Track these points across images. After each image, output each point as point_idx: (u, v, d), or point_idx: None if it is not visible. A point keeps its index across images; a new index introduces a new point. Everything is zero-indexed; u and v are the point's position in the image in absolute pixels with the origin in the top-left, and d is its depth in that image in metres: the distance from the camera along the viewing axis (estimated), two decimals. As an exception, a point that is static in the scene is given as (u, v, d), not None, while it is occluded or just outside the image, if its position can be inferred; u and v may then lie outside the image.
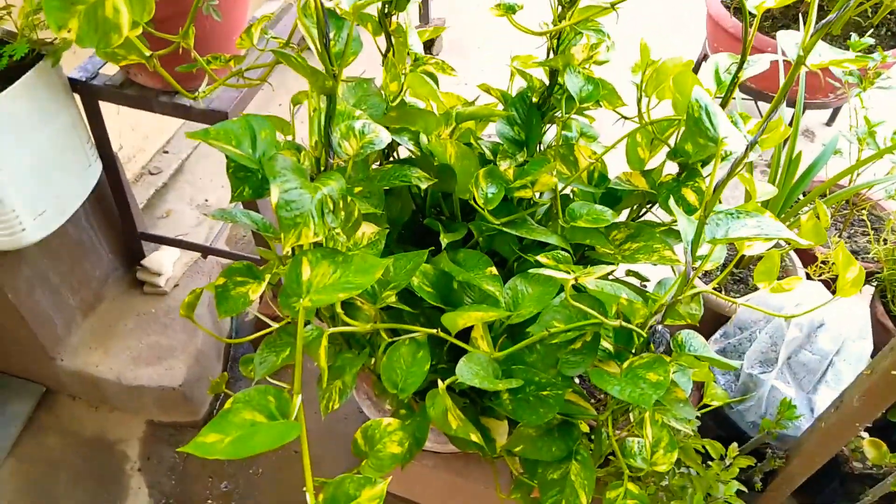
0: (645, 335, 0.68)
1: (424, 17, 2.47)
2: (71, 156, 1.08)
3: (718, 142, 0.56)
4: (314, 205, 0.61)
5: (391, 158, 1.00)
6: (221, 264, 1.49)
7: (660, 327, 0.65)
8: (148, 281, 1.38)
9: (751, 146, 0.53)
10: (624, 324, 0.68)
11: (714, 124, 0.56)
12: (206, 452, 0.57)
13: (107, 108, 1.64)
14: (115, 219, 1.33)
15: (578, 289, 0.74)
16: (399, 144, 0.96)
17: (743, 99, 2.17)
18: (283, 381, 0.84)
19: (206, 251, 1.35)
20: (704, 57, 2.23)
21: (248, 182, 0.67)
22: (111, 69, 1.10)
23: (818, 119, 2.48)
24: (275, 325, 0.87)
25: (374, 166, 0.95)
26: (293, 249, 0.65)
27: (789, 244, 1.10)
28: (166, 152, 1.93)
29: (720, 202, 0.94)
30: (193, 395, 1.29)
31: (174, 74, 0.95)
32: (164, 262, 1.38)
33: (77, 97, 1.10)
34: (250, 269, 0.85)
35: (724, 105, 0.84)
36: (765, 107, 2.15)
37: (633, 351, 0.71)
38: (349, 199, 0.69)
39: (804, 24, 0.62)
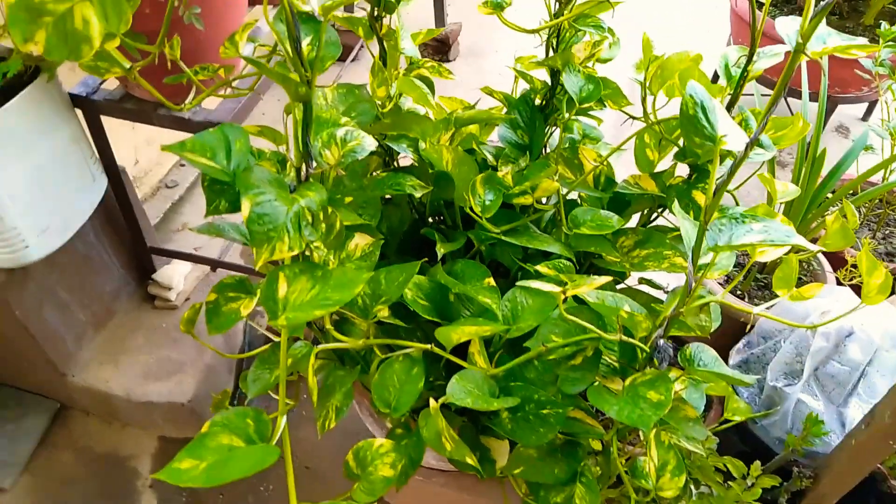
0: (647, 350, 0.63)
1: (440, 21, 2.44)
2: (74, 171, 1.08)
3: (717, 140, 0.52)
4: (289, 218, 0.58)
5: (392, 167, 0.98)
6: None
7: (661, 342, 0.60)
8: (159, 295, 1.37)
9: (751, 144, 0.48)
10: (624, 338, 0.63)
11: (711, 122, 0.52)
12: (179, 479, 0.55)
13: (122, 124, 1.65)
14: (125, 233, 1.33)
15: (582, 300, 0.70)
16: (399, 153, 0.94)
17: (768, 95, 2.09)
18: (287, 398, 0.81)
19: (215, 265, 1.34)
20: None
21: (225, 195, 0.65)
22: (112, 84, 1.09)
23: (853, 114, 2.38)
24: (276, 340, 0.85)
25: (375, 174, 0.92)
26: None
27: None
28: (182, 165, 1.94)
29: (737, 204, 0.89)
30: (203, 410, 1.28)
31: (167, 87, 0.94)
32: (174, 277, 1.37)
33: (80, 113, 1.10)
34: (242, 283, 0.83)
35: (734, 101, 0.79)
36: (792, 102, 2.06)
37: (636, 367, 0.67)
38: (330, 210, 0.66)
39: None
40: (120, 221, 1.30)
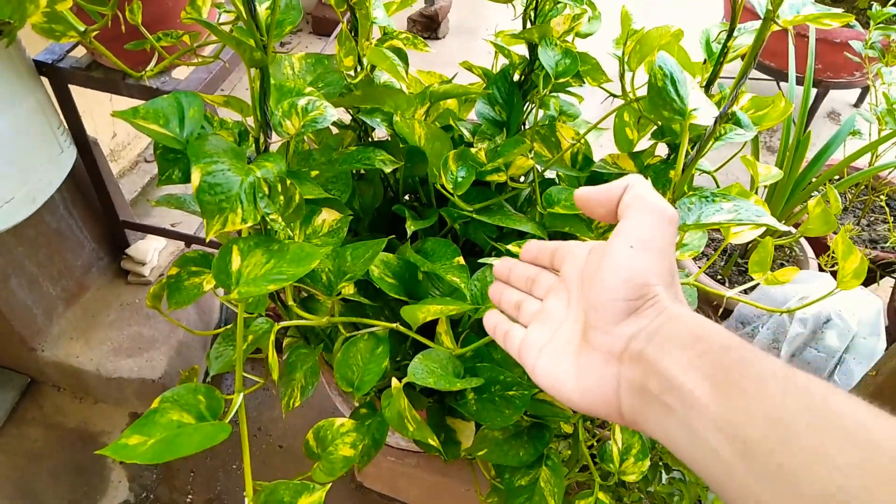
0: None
1: (429, -2, 2.40)
2: (39, 142, 1.04)
3: (686, 114, 0.49)
4: (244, 188, 0.56)
5: (366, 141, 0.95)
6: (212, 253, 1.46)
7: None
8: (132, 270, 1.35)
9: (720, 119, 0.46)
10: (591, 319, 0.62)
11: (681, 94, 0.49)
12: (126, 456, 0.53)
13: (101, 97, 1.61)
14: (97, 207, 1.30)
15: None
16: (374, 128, 0.91)
17: (762, 80, 2.06)
18: (257, 376, 0.80)
19: (189, 240, 1.32)
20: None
21: (178, 164, 0.62)
22: (80, 51, 1.06)
23: (846, 100, 2.36)
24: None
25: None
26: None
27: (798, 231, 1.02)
28: (163, 139, 1.90)
29: (717, 186, 0.87)
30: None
31: (133, 55, 0.91)
32: (148, 252, 1.35)
33: (46, 81, 1.06)
34: (206, 258, 0.81)
35: (713, 77, 0.77)
36: (786, 88, 2.04)
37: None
38: (289, 182, 0.63)
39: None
40: (92, 195, 1.27)
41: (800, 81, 1.33)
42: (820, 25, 0.42)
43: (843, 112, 2.30)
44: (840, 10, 0.44)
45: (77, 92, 1.09)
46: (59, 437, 1.27)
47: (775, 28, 0.41)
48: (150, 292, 0.86)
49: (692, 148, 0.81)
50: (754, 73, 2.04)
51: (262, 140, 0.63)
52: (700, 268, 1.22)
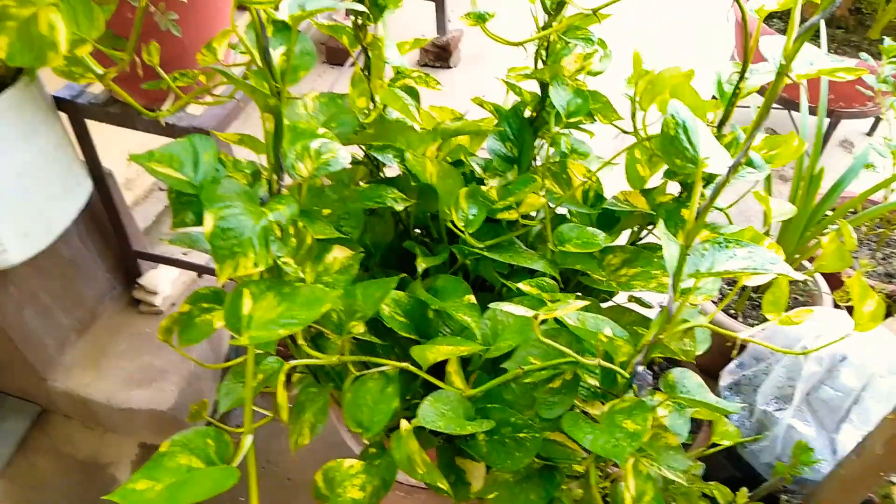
0: (627, 375, 0.61)
1: (441, 27, 2.43)
2: (57, 176, 1.06)
3: (698, 163, 0.49)
4: (256, 232, 0.56)
5: (378, 177, 0.95)
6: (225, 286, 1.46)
7: (640, 368, 0.58)
8: (144, 300, 1.35)
9: (734, 168, 0.46)
10: (603, 363, 0.61)
11: (693, 143, 0.49)
12: (134, 501, 0.53)
13: (114, 129, 1.63)
14: (111, 237, 1.31)
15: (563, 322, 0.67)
16: (385, 164, 0.92)
17: (774, 108, 2.06)
18: (266, 410, 0.79)
19: (201, 270, 1.33)
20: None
21: (192, 207, 0.63)
22: (98, 87, 1.08)
23: (859, 129, 2.35)
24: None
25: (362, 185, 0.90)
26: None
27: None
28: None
29: (730, 223, 0.87)
30: (185, 418, 1.26)
31: (150, 93, 0.92)
32: (161, 282, 1.36)
33: (65, 117, 1.08)
34: (217, 294, 0.81)
35: (726, 118, 0.77)
36: (798, 117, 2.03)
37: (616, 393, 0.64)
38: (301, 224, 0.64)
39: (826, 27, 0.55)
40: (106, 225, 1.28)
41: (812, 111, 1.32)
42: (834, 78, 0.42)
43: (856, 140, 2.29)
44: (852, 62, 0.44)
45: (93, 123, 1.11)
46: (69, 468, 1.27)
47: (788, 81, 0.41)
48: (161, 326, 0.86)
49: (705, 188, 0.80)
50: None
51: (274, 182, 0.63)
52: (714, 301, 1.21)
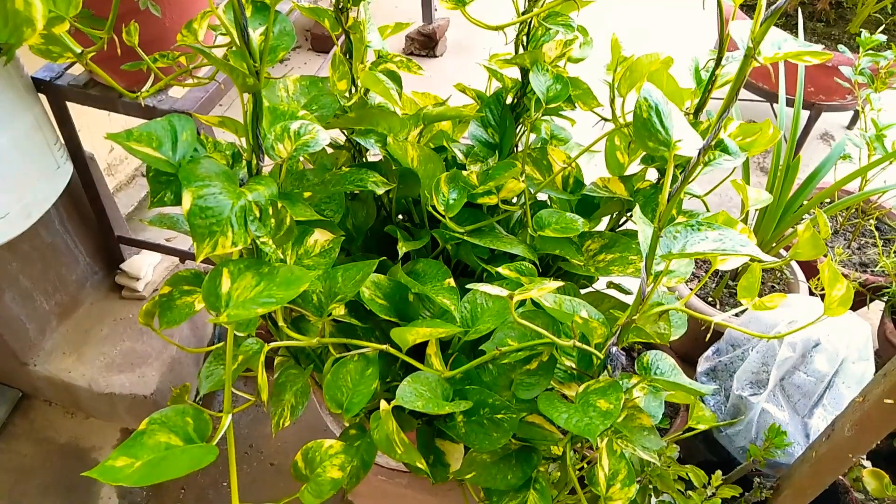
0: (601, 357, 0.62)
1: (427, 16, 2.42)
2: (36, 157, 1.05)
3: (670, 145, 0.50)
4: (234, 212, 0.56)
5: (360, 161, 0.96)
6: (205, 269, 1.46)
7: (614, 349, 0.59)
8: (126, 285, 1.35)
9: (704, 150, 0.47)
10: (578, 344, 0.62)
11: (665, 126, 0.50)
12: (113, 478, 0.53)
13: (98, 113, 1.62)
14: (92, 222, 1.30)
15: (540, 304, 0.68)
16: (368, 148, 0.92)
17: (755, 101, 2.08)
18: (248, 394, 0.80)
19: (184, 255, 1.32)
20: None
21: (170, 187, 0.63)
22: (78, 69, 1.07)
23: (839, 122, 2.38)
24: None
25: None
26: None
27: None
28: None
29: (707, 210, 0.88)
30: (166, 404, 1.26)
31: (131, 74, 0.92)
32: (143, 267, 1.35)
33: (44, 98, 1.07)
34: (198, 276, 0.81)
35: (702, 105, 0.78)
36: (779, 110, 2.05)
37: (592, 374, 0.66)
38: (280, 205, 0.64)
39: (807, 19, 0.55)
40: (88, 210, 1.28)
41: (791, 103, 1.34)
42: (800, 62, 0.43)
43: (836, 134, 2.32)
44: (821, 47, 0.45)
45: (75, 106, 1.10)
46: (50, 453, 1.27)
47: (756, 65, 0.42)
48: (142, 310, 0.86)
49: (680, 173, 0.81)
50: (747, 95, 2.06)
51: (254, 162, 0.64)
52: (690, 288, 1.23)
